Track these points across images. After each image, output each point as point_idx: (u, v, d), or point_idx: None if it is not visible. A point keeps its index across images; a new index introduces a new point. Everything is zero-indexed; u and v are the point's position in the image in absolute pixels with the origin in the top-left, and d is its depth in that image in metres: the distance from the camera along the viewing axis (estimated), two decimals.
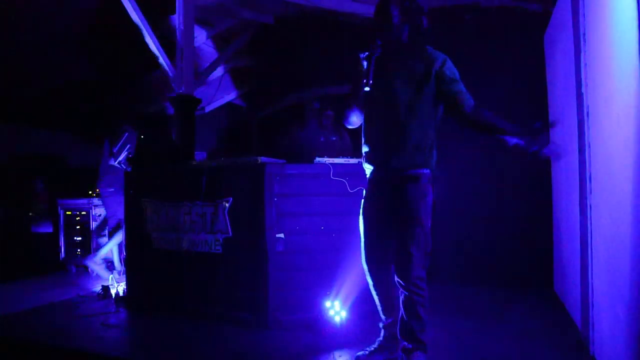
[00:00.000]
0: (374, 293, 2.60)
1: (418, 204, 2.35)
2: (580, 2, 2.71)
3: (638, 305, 1.84)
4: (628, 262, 1.96)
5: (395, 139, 2.38)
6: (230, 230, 3.36)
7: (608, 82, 2.27)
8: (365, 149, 2.54)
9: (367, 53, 2.32)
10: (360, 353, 2.59)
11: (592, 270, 2.59)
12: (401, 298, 2.38)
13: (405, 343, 2.37)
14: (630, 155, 1.91)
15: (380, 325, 2.63)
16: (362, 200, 2.59)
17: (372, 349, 2.58)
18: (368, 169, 2.56)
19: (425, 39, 2.47)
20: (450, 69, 2.42)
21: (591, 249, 2.59)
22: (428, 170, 2.41)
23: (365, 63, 2.33)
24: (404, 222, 2.36)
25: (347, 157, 3.50)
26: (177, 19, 6.33)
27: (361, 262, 2.58)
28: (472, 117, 2.37)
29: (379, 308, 2.61)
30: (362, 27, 5.88)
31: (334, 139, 4.43)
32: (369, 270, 2.56)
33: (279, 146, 4.76)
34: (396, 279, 2.38)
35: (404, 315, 2.37)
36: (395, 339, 2.49)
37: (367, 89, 2.29)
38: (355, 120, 2.61)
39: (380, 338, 2.61)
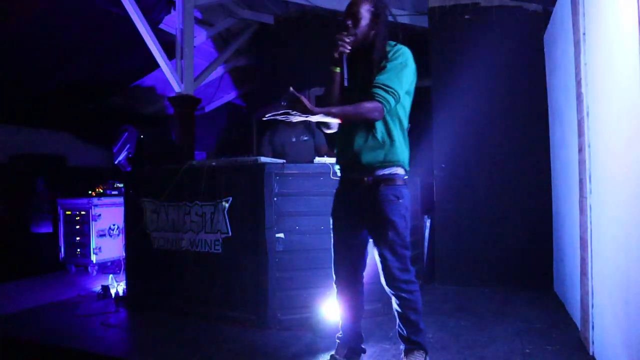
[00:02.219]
0: (337, 299, 2.49)
1: (390, 206, 2.26)
2: (580, 2, 2.71)
3: (638, 305, 1.84)
4: (628, 262, 1.96)
5: (362, 139, 2.31)
6: (230, 230, 3.36)
7: (608, 82, 2.27)
8: (336, 149, 2.48)
9: (338, 54, 2.25)
10: None
11: (592, 270, 2.59)
12: (393, 303, 2.34)
13: (403, 345, 2.36)
14: (631, 155, 1.91)
15: (336, 337, 2.52)
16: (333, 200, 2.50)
17: None
18: (338, 170, 2.50)
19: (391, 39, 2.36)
20: (393, 59, 2.26)
21: (591, 249, 2.59)
22: (400, 169, 2.31)
23: (338, 64, 2.27)
24: (376, 226, 2.30)
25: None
26: (177, 19, 6.34)
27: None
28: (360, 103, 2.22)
29: (340, 317, 2.51)
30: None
31: (305, 138, 4.35)
32: (336, 274, 2.46)
33: (260, 151, 4.67)
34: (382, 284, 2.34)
35: (397, 320, 2.34)
36: (346, 353, 2.45)
37: (346, 84, 2.24)
38: (333, 124, 2.42)
39: (333, 352, 2.51)
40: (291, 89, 2.09)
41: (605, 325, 2.36)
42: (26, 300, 4.08)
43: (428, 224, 4.71)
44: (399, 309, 2.31)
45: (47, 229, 6.27)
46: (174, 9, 6.44)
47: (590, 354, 2.58)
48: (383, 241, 2.27)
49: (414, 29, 5.39)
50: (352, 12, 2.31)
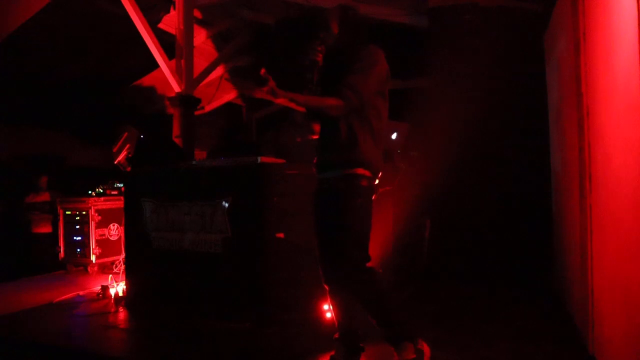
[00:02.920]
0: (330, 300, 2.50)
1: (329, 207, 2.30)
2: (580, 2, 2.71)
3: (637, 305, 1.84)
4: (628, 261, 1.96)
5: (328, 139, 2.36)
6: (229, 230, 3.35)
7: (608, 81, 2.27)
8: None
9: (310, 60, 2.34)
10: None
11: (592, 269, 2.58)
12: None
13: (386, 341, 2.35)
14: (631, 154, 1.90)
15: (333, 338, 2.50)
16: None
17: None
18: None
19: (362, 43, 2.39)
20: (362, 59, 2.27)
21: (591, 249, 2.59)
22: (360, 170, 2.27)
23: (309, 70, 2.35)
24: (317, 224, 2.37)
25: None
26: (177, 19, 6.33)
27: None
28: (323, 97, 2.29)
29: (335, 318, 2.50)
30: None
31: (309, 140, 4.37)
32: (322, 274, 2.46)
33: (264, 150, 4.69)
34: None
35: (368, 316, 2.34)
36: (345, 352, 2.46)
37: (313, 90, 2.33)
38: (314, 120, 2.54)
39: (332, 354, 2.48)
40: (263, 70, 2.15)
41: (605, 325, 2.36)
42: (25, 300, 4.07)
43: (427, 223, 4.71)
44: (362, 306, 2.34)
45: (46, 228, 6.26)
46: (174, 8, 6.43)
47: (590, 353, 2.58)
48: (328, 237, 2.31)
49: (414, 28, 5.39)
50: (322, 21, 2.37)
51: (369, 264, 2.32)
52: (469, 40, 4.54)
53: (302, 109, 2.32)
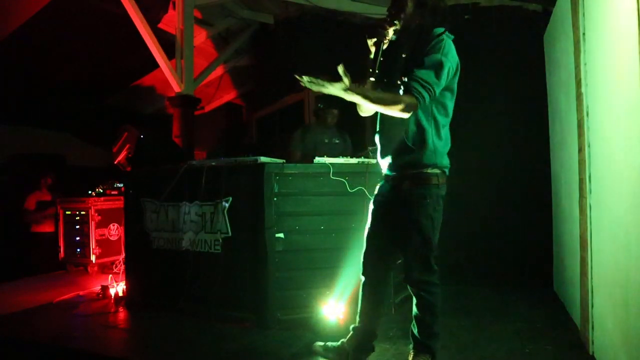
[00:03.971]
0: (360, 292, 2.52)
1: (416, 206, 2.24)
2: (580, 2, 2.71)
3: (637, 305, 1.84)
4: (628, 261, 1.96)
5: (394, 141, 2.30)
6: (229, 230, 3.35)
7: (608, 81, 2.27)
8: (375, 146, 2.48)
9: (375, 40, 2.19)
10: (318, 344, 2.63)
11: (591, 270, 2.58)
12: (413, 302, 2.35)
13: (412, 345, 2.35)
14: (631, 155, 1.90)
15: (351, 327, 2.57)
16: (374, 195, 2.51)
17: (331, 345, 2.60)
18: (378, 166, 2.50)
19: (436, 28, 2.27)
20: (433, 51, 2.15)
21: (591, 249, 2.59)
22: (431, 169, 2.25)
23: (373, 50, 2.21)
24: (402, 224, 2.30)
25: (347, 157, 3.49)
26: (176, 19, 6.33)
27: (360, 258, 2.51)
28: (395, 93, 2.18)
29: (358, 309, 2.54)
30: (361, 26, 5.89)
31: (337, 141, 4.41)
32: (364, 266, 2.49)
33: (280, 147, 4.72)
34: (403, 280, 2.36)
35: (413, 319, 2.35)
36: (356, 346, 2.49)
37: (372, 79, 2.19)
38: (366, 109, 2.43)
39: (344, 339, 2.57)
40: (341, 65, 2.03)
41: (605, 325, 2.36)
42: (25, 300, 4.07)
43: None
44: (415, 309, 2.31)
45: (47, 228, 6.26)
46: (174, 8, 6.43)
47: (590, 353, 2.58)
48: (406, 239, 2.28)
49: None
50: (396, 1, 2.25)
51: None
52: (468, 39, 4.53)
53: (371, 104, 2.15)
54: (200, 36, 7.33)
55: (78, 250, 5.50)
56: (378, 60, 2.19)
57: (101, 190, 5.72)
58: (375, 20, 5.29)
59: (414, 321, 2.34)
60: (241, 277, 3.33)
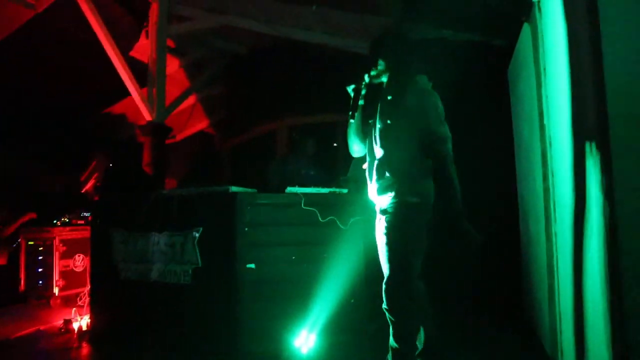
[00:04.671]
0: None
1: (393, 227, 2.39)
2: (540, 39, 2.85)
3: (599, 331, 1.88)
4: (592, 287, 2.01)
5: (378, 177, 2.46)
6: (200, 260, 3.29)
7: (561, 114, 2.37)
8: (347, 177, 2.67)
9: (353, 86, 2.43)
10: None
11: (559, 296, 2.63)
12: None
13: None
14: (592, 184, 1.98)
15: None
16: None
17: None
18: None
19: (416, 72, 2.52)
20: (426, 104, 2.41)
21: (557, 276, 2.65)
22: (411, 198, 2.41)
23: (352, 95, 2.43)
24: (380, 243, 2.45)
25: (318, 187, 3.51)
26: (149, 48, 6.34)
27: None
28: (437, 166, 2.43)
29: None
30: (331, 58, 6.01)
31: (312, 173, 4.45)
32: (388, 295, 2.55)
33: (255, 177, 4.74)
34: None
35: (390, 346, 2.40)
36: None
37: (351, 120, 2.40)
38: (357, 149, 2.68)
39: None
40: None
41: (573, 351, 2.39)
42: None
43: None
44: (391, 338, 2.38)
45: (5, 260, 6.00)
46: (147, 38, 6.44)
47: None
48: (385, 262, 2.41)
49: None
50: (374, 51, 2.46)
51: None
52: (435, 73, 4.68)
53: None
54: (173, 65, 7.34)
55: (40, 282, 5.28)
56: (358, 105, 2.41)
57: (67, 220, 5.55)
58: (349, 54, 5.43)
59: (390, 351, 2.33)
60: (211, 308, 3.25)
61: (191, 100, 8.45)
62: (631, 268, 1.59)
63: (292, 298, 3.23)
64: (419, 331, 2.52)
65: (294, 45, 6.43)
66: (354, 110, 2.40)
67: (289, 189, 3.34)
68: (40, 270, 5.29)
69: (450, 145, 2.37)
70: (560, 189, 2.59)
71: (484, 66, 4.60)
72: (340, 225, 3.26)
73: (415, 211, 2.41)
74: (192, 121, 9.45)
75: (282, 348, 3.10)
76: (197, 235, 3.30)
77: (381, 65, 2.44)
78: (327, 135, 6.00)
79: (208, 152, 9.96)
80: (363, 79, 2.42)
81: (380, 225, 2.47)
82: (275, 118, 6.90)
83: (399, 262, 2.37)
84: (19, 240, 5.49)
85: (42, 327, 4.16)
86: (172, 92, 7.27)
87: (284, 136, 6.62)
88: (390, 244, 2.38)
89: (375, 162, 2.49)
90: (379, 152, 2.47)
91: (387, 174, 2.40)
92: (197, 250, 3.29)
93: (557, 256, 2.66)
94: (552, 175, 2.72)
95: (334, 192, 3.40)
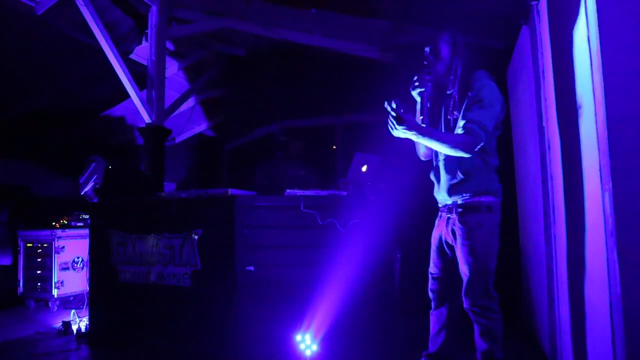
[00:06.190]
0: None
1: (470, 231, 2.37)
2: (539, 41, 2.85)
3: (599, 334, 1.88)
4: (590, 291, 2.01)
5: (445, 177, 2.43)
6: (199, 262, 3.29)
7: (566, 116, 2.37)
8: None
9: (417, 89, 2.39)
10: None
11: (558, 299, 2.63)
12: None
13: None
14: (589, 185, 1.98)
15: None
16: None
17: None
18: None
19: (472, 67, 2.49)
20: (482, 93, 2.37)
21: (557, 279, 2.65)
22: (483, 197, 2.39)
23: (418, 100, 2.40)
24: (458, 249, 2.43)
25: (318, 189, 3.51)
26: (148, 50, 6.34)
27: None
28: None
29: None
30: (331, 61, 6.01)
31: (302, 173, 4.45)
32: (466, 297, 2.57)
33: (249, 179, 4.74)
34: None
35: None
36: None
37: (423, 125, 2.34)
38: (427, 152, 2.62)
39: None
40: (390, 106, 2.19)
41: (572, 355, 2.39)
42: None
43: (398, 256, 4.73)
44: (476, 333, 2.41)
45: (5, 261, 5.99)
46: (146, 40, 6.45)
47: None
48: (463, 264, 2.38)
49: (384, 63, 5.54)
50: (432, 48, 2.44)
51: None
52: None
53: (432, 144, 2.30)
54: (172, 67, 7.35)
55: (39, 284, 5.27)
56: (426, 107, 2.37)
57: (66, 222, 5.55)
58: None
59: (476, 346, 2.40)
60: (210, 311, 3.25)
61: (190, 102, 8.47)
62: (631, 269, 1.59)
63: (291, 301, 3.23)
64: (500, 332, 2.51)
65: (293, 48, 6.44)
66: (424, 114, 2.36)
67: (288, 191, 3.34)
68: (39, 272, 5.28)
69: (483, 137, 2.28)
70: (559, 192, 2.59)
71: (484, 68, 4.59)
72: (340, 228, 3.26)
73: (492, 210, 2.40)
74: (191, 124, 9.46)
75: (281, 351, 3.10)
76: (196, 237, 3.30)
77: (442, 63, 2.44)
78: (327, 137, 6.01)
79: (207, 155, 9.96)
80: (424, 81, 2.38)
81: (450, 225, 2.43)
82: (275, 121, 6.90)
83: (481, 264, 2.38)
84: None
85: (40, 329, 4.15)
86: (171, 94, 7.27)
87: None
88: (470, 246, 2.36)
89: (442, 162, 2.46)
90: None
91: (459, 173, 2.37)
92: (197, 253, 3.29)
93: (556, 259, 2.66)
94: (551, 179, 2.72)
95: (333, 195, 3.40)
